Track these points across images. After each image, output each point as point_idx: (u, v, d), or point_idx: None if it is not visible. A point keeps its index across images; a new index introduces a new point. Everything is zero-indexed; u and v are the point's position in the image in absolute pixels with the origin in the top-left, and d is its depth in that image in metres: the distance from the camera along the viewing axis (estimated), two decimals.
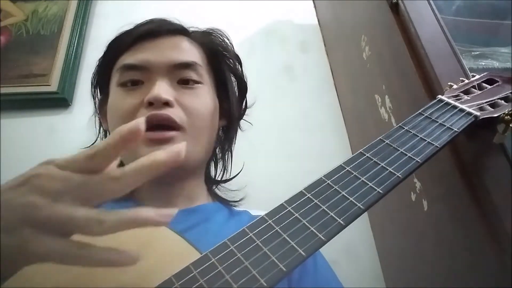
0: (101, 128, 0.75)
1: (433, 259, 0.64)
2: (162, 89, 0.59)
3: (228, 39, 0.73)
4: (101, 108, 0.72)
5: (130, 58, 0.64)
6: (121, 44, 0.66)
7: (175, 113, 0.59)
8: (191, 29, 0.70)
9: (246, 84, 0.76)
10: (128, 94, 0.62)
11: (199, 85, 0.65)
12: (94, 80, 0.73)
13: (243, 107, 0.77)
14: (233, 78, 0.73)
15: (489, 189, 0.48)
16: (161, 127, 0.58)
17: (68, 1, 1.29)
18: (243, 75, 0.75)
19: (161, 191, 0.63)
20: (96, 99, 0.74)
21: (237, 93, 0.74)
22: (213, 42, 0.71)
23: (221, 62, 0.70)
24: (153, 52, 0.63)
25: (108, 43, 0.69)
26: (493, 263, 0.47)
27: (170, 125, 0.59)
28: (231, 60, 0.72)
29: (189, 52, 0.66)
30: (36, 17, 1.26)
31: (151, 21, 0.68)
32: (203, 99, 0.64)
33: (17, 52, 1.18)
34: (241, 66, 0.75)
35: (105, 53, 0.69)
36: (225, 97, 0.71)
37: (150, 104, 0.59)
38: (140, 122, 0.34)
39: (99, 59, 0.71)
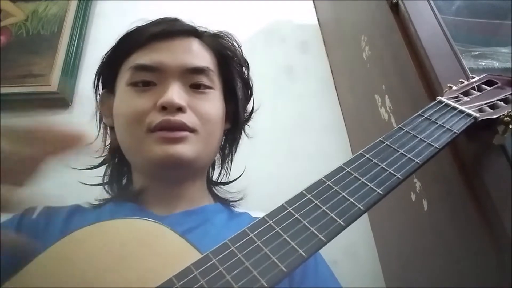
0: (102, 122, 0.74)
1: (433, 259, 0.64)
2: (176, 94, 0.59)
3: (237, 43, 0.73)
4: (103, 102, 0.71)
5: (143, 58, 0.63)
6: (133, 41, 0.65)
7: (188, 119, 0.59)
8: (201, 29, 0.70)
9: (252, 89, 0.76)
10: (139, 95, 0.62)
11: (211, 90, 0.65)
12: (99, 72, 0.72)
13: (249, 112, 0.77)
14: (240, 83, 0.73)
15: (489, 189, 0.48)
16: (174, 129, 0.59)
17: (68, 1, 1.29)
18: (250, 80, 0.75)
19: (166, 192, 0.63)
20: (98, 92, 0.73)
21: (242, 98, 0.73)
22: (223, 46, 0.70)
23: (230, 67, 0.70)
24: (167, 54, 0.63)
25: (118, 38, 0.68)
26: (493, 263, 0.47)
27: (183, 129, 0.59)
28: (239, 65, 0.72)
29: (202, 56, 0.66)
30: (36, 17, 1.26)
31: (164, 21, 0.67)
32: (214, 104, 0.64)
33: (17, 52, 1.18)
34: (248, 71, 0.75)
35: (115, 48, 0.68)
36: (232, 101, 0.70)
37: (164, 108, 0.59)
38: None
39: (107, 53, 0.70)
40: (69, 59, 1.17)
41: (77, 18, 1.25)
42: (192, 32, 0.67)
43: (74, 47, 1.20)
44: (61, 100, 1.12)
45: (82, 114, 1.08)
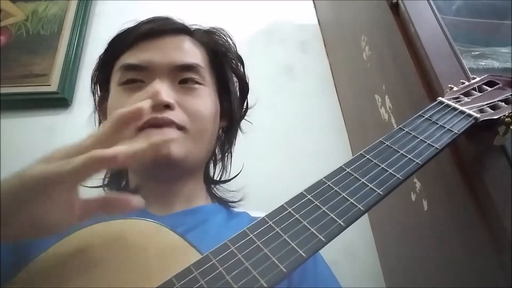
0: (100, 124, 0.74)
1: (433, 259, 0.64)
2: (164, 91, 0.59)
3: (231, 39, 0.72)
4: (101, 105, 0.71)
5: (131, 57, 0.63)
6: (123, 42, 0.66)
7: (176, 116, 0.59)
8: (194, 27, 0.70)
9: (248, 85, 0.75)
10: (128, 94, 0.62)
11: (201, 86, 0.64)
12: (94, 77, 0.73)
13: (244, 108, 0.77)
14: (234, 79, 0.72)
15: (489, 189, 0.48)
16: (162, 127, 0.58)
17: (68, 1, 1.29)
18: (245, 76, 0.75)
19: (161, 191, 0.63)
20: (96, 95, 0.73)
21: (238, 94, 0.73)
22: (215, 42, 0.70)
23: (223, 63, 0.70)
24: (155, 52, 0.63)
25: (109, 40, 0.68)
26: (493, 263, 0.47)
27: (170, 126, 0.59)
28: (233, 61, 0.72)
29: (192, 53, 0.66)
30: (36, 17, 1.26)
31: (154, 20, 0.67)
32: (204, 100, 0.64)
33: (17, 52, 1.18)
34: (243, 67, 0.74)
35: (106, 50, 0.69)
36: (226, 98, 0.70)
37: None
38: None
39: (100, 56, 0.70)
40: (69, 59, 1.17)
41: (77, 18, 1.25)
42: (182, 30, 0.67)
43: (74, 47, 1.20)
44: (61, 100, 1.12)
45: (82, 114, 1.07)
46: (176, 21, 0.68)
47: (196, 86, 0.64)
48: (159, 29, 0.65)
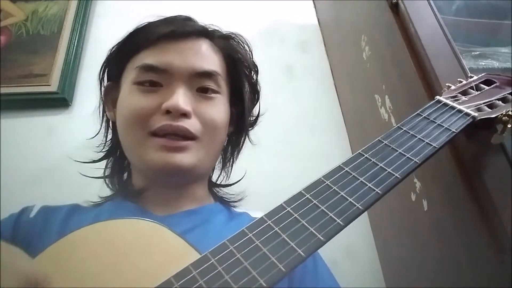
0: (105, 115, 0.73)
1: (433, 259, 0.64)
2: (182, 99, 0.58)
3: (248, 46, 0.72)
4: (107, 95, 0.70)
5: (151, 58, 0.62)
6: (143, 39, 0.64)
7: (191, 125, 0.59)
8: (212, 27, 0.69)
9: (259, 93, 0.75)
10: (144, 95, 0.61)
11: (217, 95, 0.64)
12: (105, 66, 0.71)
13: (254, 116, 0.76)
14: (247, 87, 0.72)
15: (489, 189, 0.48)
16: (176, 134, 0.58)
17: (68, 1, 1.29)
18: (258, 84, 0.74)
19: (167, 194, 0.63)
20: (103, 84, 0.72)
21: (249, 102, 0.73)
22: (233, 48, 0.69)
23: (239, 71, 0.69)
24: (176, 55, 0.62)
25: (128, 34, 0.67)
26: (493, 263, 0.47)
27: (185, 135, 0.59)
28: (248, 69, 0.71)
29: (211, 59, 0.65)
30: (36, 17, 1.26)
31: (175, 20, 0.67)
32: (219, 109, 0.64)
33: (17, 52, 1.18)
34: (256, 75, 0.74)
35: (124, 43, 0.68)
36: (237, 104, 0.70)
37: (168, 112, 0.58)
38: None
39: (115, 47, 0.69)
40: (69, 59, 1.16)
41: (77, 18, 1.25)
42: (203, 33, 0.66)
43: (74, 47, 1.20)
44: (61, 100, 1.12)
45: (82, 114, 1.08)
46: (197, 23, 0.67)
47: (213, 95, 0.63)
48: (181, 31, 0.64)
